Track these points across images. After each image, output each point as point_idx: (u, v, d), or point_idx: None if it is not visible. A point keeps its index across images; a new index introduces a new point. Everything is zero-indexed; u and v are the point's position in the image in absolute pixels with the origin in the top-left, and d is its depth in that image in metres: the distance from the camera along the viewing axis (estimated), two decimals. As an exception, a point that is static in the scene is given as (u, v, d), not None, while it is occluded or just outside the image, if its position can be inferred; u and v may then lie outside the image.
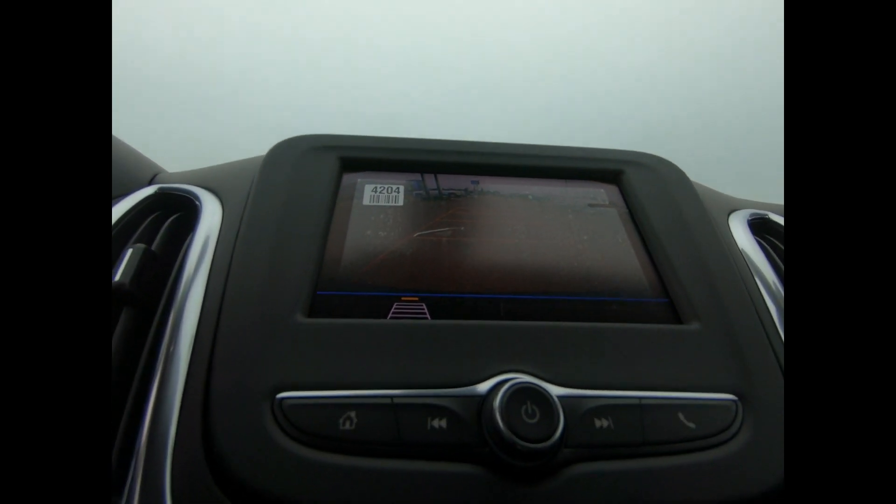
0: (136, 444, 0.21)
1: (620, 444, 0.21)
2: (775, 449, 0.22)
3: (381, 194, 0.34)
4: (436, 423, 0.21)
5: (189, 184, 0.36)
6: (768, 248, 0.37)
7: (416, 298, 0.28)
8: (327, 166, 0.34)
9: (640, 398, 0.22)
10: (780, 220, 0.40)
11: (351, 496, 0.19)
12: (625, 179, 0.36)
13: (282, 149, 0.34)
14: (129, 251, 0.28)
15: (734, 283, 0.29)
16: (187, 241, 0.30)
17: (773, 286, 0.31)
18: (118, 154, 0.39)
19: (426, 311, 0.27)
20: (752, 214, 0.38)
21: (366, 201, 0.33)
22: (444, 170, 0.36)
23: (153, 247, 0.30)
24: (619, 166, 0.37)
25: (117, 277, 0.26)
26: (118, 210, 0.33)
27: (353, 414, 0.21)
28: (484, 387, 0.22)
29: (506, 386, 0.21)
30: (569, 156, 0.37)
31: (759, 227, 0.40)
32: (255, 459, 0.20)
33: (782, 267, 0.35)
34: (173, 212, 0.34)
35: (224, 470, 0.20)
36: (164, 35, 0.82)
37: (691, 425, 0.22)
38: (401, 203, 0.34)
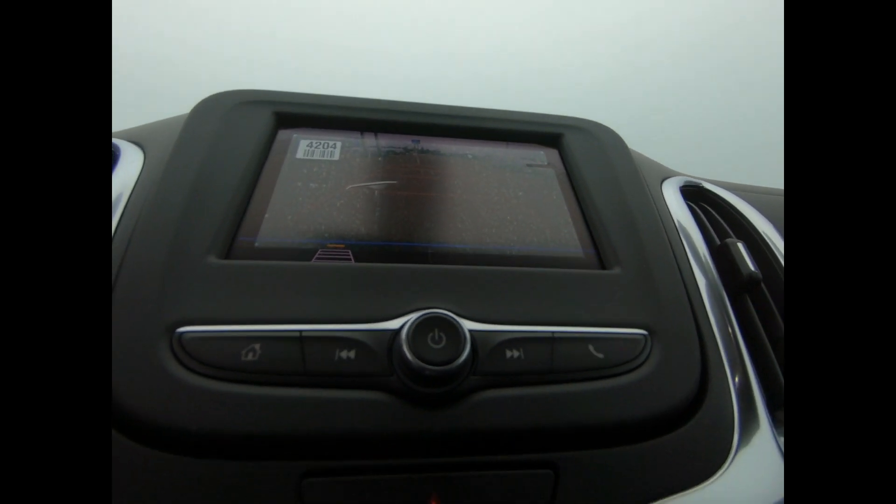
0: None
1: (528, 371, 0.21)
2: (676, 376, 0.23)
3: (315, 149, 0.33)
4: (344, 354, 0.21)
5: (117, 138, 0.34)
6: (700, 213, 0.38)
7: (342, 245, 0.27)
8: (261, 120, 0.33)
9: (553, 332, 0.23)
10: (716, 189, 0.41)
11: (250, 423, 0.19)
12: (564, 143, 0.37)
13: (212, 102, 0.33)
14: None
15: (657, 235, 0.30)
16: None
17: (696, 243, 0.32)
18: None
19: (351, 256, 0.27)
20: (685, 181, 0.40)
21: (299, 155, 0.33)
22: (384, 129, 0.36)
23: None
24: (560, 130, 0.38)
25: None
26: None
27: (256, 346, 0.20)
28: (397, 322, 0.22)
29: (415, 316, 0.21)
30: (511, 118, 0.38)
31: (694, 194, 0.41)
32: (149, 393, 0.19)
33: (710, 229, 0.36)
34: None
35: (117, 406, 0.19)
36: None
37: (599, 356, 0.22)
38: (336, 158, 0.33)
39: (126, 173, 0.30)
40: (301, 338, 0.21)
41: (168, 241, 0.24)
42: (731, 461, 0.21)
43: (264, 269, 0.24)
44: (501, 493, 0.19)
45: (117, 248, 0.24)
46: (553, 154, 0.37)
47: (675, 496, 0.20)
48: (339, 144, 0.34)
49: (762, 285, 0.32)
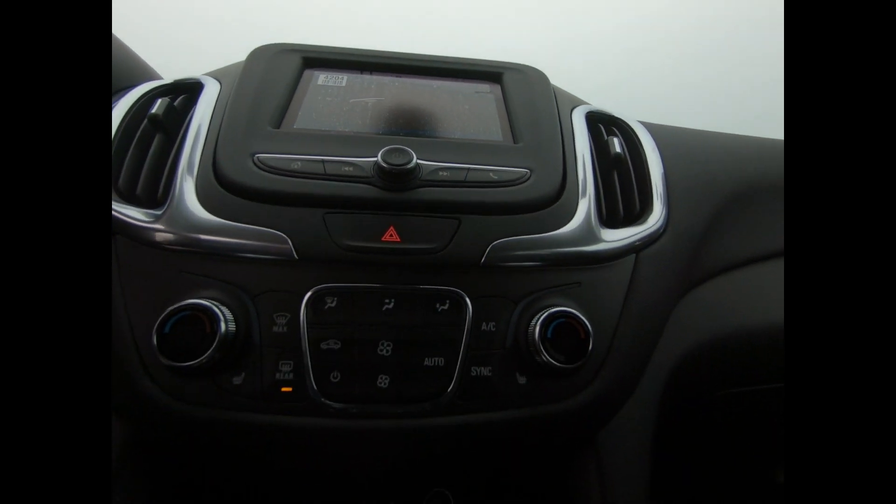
0: (174, 178, 0.37)
1: (451, 181, 0.38)
2: (543, 189, 0.39)
3: (329, 80, 0.50)
4: (346, 168, 0.37)
5: (203, 76, 0.51)
6: (603, 130, 0.53)
7: (347, 130, 0.44)
8: (293, 63, 0.50)
9: (469, 166, 0.39)
10: (623, 117, 0.56)
11: (296, 189, 0.36)
12: (504, 79, 0.53)
13: (261, 50, 0.50)
14: (158, 101, 0.43)
15: (552, 129, 0.46)
16: (198, 99, 0.46)
17: (582, 139, 0.48)
18: (145, 69, 0.56)
19: (353, 135, 0.43)
20: (591, 108, 0.55)
21: (319, 83, 0.49)
22: (377, 70, 0.52)
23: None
24: (501, 70, 0.53)
25: (153, 111, 0.42)
26: (144, 88, 0.48)
27: (298, 163, 0.37)
28: (377, 157, 0.38)
29: (385, 149, 0.37)
30: (468, 62, 0.54)
31: (608, 121, 0.56)
32: (241, 175, 0.36)
33: (604, 134, 0.51)
34: (182, 94, 0.50)
35: (224, 181, 0.36)
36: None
37: (496, 177, 0.38)
38: (344, 84, 0.50)
39: (211, 94, 0.47)
40: (323, 161, 0.37)
41: (245, 121, 0.41)
42: (565, 227, 0.38)
43: (302, 133, 0.41)
44: (427, 227, 0.36)
45: (213, 126, 0.41)
46: (496, 87, 0.53)
47: (530, 235, 0.37)
48: (345, 77, 0.50)
49: (629, 165, 0.47)
